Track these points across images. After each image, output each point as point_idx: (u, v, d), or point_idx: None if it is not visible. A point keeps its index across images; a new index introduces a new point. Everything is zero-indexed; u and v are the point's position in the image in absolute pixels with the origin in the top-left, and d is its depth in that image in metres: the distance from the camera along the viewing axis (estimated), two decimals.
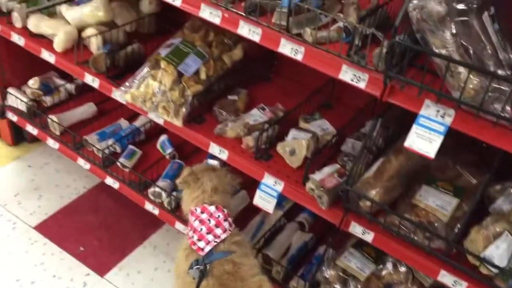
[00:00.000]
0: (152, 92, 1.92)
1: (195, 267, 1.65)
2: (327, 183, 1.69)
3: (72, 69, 2.20)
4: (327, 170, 1.75)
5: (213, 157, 2.24)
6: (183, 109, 1.91)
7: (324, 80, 2.05)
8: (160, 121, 2.01)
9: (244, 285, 1.63)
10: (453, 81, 1.22)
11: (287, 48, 1.52)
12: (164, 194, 2.26)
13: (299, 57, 1.51)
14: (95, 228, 2.51)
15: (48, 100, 2.68)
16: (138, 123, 2.64)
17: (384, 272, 1.79)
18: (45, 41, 2.28)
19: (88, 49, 2.25)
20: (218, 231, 1.70)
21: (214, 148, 1.92)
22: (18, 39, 2.31)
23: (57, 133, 2.55)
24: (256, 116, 1.98)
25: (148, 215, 2.34)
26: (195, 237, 1.71)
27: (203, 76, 1.97)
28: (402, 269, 1.75)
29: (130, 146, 2.51)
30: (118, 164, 2.42)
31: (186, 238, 1.76)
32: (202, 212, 1.74)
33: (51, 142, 2.57)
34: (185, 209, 1.85)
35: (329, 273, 1.82)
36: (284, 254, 2.11)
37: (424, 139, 1.32)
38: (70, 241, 2.41)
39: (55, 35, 2.21)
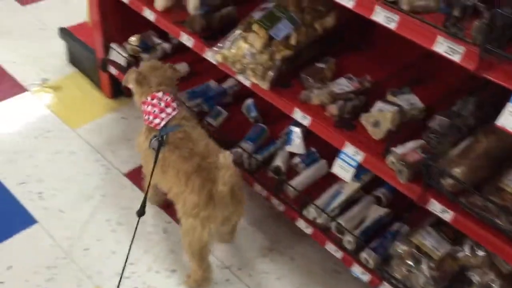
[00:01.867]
0: (242, 54, 1.97)
1: (154, 139, 2.00)
2: (409, 157, 1.66)
3: (170, 28, 2.31)
4: (410, 145, 1.72)
5: (297, 123, 2.27)
6: (271, 73, 1.95)
7: (417, 53, 1.98)
8: (247, 83, 2.06)
9: (194, 145, 1.99)
10: None
11: (381, 15, 1.49)
12: (245, 155, 2.34)
13: (392, 25, 1.47)
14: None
15: (145, 58, 2.83)
16: (226, 85, 2.72)
17: (460, 254, 1.74)
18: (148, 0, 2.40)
19: (185, 10, 2.34)
20: (169, 110, 2.07)
21: (297, 114, 1.95)
22: None
23: None
24: (343, 85, 1.97)
25: None
26: (151, 118, 2.08)
27: (293, 41, 1.99)
28: (480, 253, 1.69)
29: (217, 107, 2.61)
30: (205, 122, 2.53)
31: (143, 123, 2.12)
32: (152, 99, 2.10)
33: None
34: (138, 103, 2.21)
35: (402, 248, 1.80)
36: (357, 226, 2.11)
37: None
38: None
39: None
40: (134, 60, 2.79)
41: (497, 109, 1.65)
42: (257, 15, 2.01)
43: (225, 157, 1.77)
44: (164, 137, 1.99)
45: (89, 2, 2.75)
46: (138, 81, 2.16)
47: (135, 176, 2.60)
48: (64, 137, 2.81)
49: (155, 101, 2.09)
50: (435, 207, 1.63)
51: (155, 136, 2.02)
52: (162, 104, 2.07)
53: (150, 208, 2.46)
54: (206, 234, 1.93)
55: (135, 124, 2.93)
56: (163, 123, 2.04)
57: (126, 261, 1.98)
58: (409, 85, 2.04)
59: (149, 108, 2.09)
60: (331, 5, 2.06)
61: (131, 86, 2.24)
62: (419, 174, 1.66)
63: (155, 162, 1.98)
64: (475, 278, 1.70)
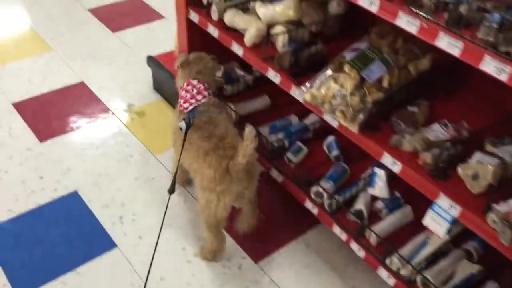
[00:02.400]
0: (332, 94, 1.93)
1: (182, 121, 2.17)
2: None
3: (257, 63, 2.31)
4: None
5: (380, 165, 2.18)
6: (361, 115, 1.88)
7: None
8: (335, 124, 2.01)
9: (215, 127, 2.15)
10: None
11: (490, 66, 1.40)
12: (325, 195, 2.27)
13: (503, 77, 1.37)
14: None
15: (228, 89, 2.86)
16: (307, 121, 2.69)
17: None
18: (236, 34, 2.42)
19: (273, 46, 2.34)
20: (199, 97, 2.27)
21: (387, 159, 1.87)
22: (213, 31, 2.49)
23: (233, 120, 2.71)
24: (438, 132, 1.87)
25: (306, 212, 2.38)
26: (181, 101, 2.29)
27: (385, 84, 1.92)
28: None
29: (298, 143, 2.57)
30: (285, 158, 2.50)
31: (178, 106, 2.33)
32: (187, 85, 2.32)
33: None
34: (178, 86, 2.45)
35: None
36: (445, 283, 1.97)
37: None
38: (232, 224, 2.56)
39: (246, 29, 2.34)
40: (217, 92, 2.83)
41: None
42: (348, 55, 1.96)
43: (250, 131, 1.92)
44: (191, 120, 2.17)
45: (178, 33, 2.83)
46: (182, 66, 2.41)
47: None
48: (146, 162, 2.88)
49: (189, 87, 2.30)
50: None
51: (183, 119, 2.19)
52: (194, 91, 2.28)
53: (226, 242, 2.44)
54: (222, 207, 2.10)
55: None
56: (191, 107, 2.24)
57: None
58: (509, 134, 1.91)
59: (183, 93, 2.31)
60: (427, 47, 1.98)
61: (177, 68, 2.48)
62: None
63: (183, 142, 2.15)
64: None
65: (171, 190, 2.06)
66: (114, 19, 4.13)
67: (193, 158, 2.16)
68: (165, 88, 3.31)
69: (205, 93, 2.30)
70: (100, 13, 4.20)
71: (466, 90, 2.22)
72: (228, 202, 2.10)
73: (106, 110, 3.23)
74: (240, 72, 2.93)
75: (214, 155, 2.06)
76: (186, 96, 2.28)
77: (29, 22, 4.02)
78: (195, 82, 2.31)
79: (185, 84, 2.33)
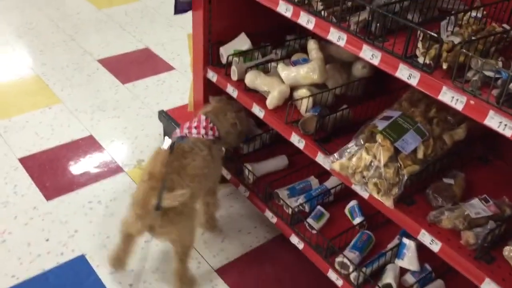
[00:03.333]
0: (364, 165, 1.83)
1: (168, 141, 2.23)
2: None
3: (280, 127, 2.23)
4: None
5: (408, 235, 2.07)
6: (396, 189, 1.78)
7: None
8: (365, 195, 1.91)
9: (179, 161, 2.15)
10: None
11: None
12: (351, 267, 2.14)
13: None
14: (271, 282, 2.48)
15: (244, 148, 2.77)
16: (328, 183, 2.58)
17: None
18: (256, 95, 2.35)
19: (296, 109, 2.26)
20: (194, 130, 2.32)
21: (425, 237, 1.75)
22: (232, 91, 2.42)
23: (250, 181, 2.60)
24: (478, 208, 1.76)
25: (328, 281, 2.24)
26: (177, 128, 2.39)
27: (420, 155, 1.83)
28: None
29: (319, 207, 2.45)
30: (306, 224, 2.38)
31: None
32: (196, 118, 2.39)
33: (242, 189, 2.64)
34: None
35: None
36: None
37: None
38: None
39: (268, 91, 2.27)
40: (231, 150, 2.74)
41: None
42: (380, 124, 1.88)
43: (180, 195, 2.01)
44: (174, 143, 2.20)
45: (195, 91, 2.76)
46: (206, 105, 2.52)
47: (227, 273, 2.47)
48: None
49: (195, 119, 2.38)
50: None
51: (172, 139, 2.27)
52: (195, 123, 2.34)
53: None
54: (134, 227, 2.16)
55: (226, 215, 2.82)
56: (178, 133, 2.33)
57: None
58: None
59: (186, 123, 2.38)
60: (462, 116, 1.90)
61: None
62: None
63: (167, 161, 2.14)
64: None
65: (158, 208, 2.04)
66: (123, 70, 4.07)
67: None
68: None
69: (203, 131, 2.32)
70: (109, 64, 4.14)
71: (500, 159, 2.13)
72: (139, 227, 2.13)
73: (115, 165, 3.12)
74: (256, 130, 2.84)
75: (153, 181, 2.06)
76: (185, 124, 2.36)
77: (38, 72, 3.97)
78: (202, 117, 2.36)
79: (196, 117, 2.40)
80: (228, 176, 2.72)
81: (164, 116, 3.24)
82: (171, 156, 2.13)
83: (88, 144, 3.27)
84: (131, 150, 3.27)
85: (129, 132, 3.42)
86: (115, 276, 2.42)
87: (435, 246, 1.72)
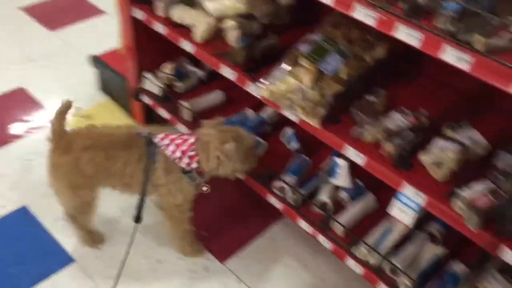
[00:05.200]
0: (291, 89, 1.89)
1: (143, 133, 2.01)
2: (478, 202, 1.56)
3: (210, 60, 2.23)
4: (477, 187, 1.61)
5: (340, 155, 2.18)
6: (322, 110, 1.86)
7: (473, 83, 1.88)
8: (294, 119, 1.98)
9: (126, 157, 1.98)
10: None
11: (451, 55, 1.40)
12: (288, 189, 2.25)
13: (465, 67, 1.38)
14: (218, 215, 2.57)
15: (180, 86, 2.77)
16: (264, 114, 2.64)
17: None
18: (185, 30, 2.33)
19: (224, 41, 2.27)
20: (171, 147, 1.98)
21: (349, 151, 1.85)
22: (159, 28, 2.39)
23: (188, 118, 2.62)
24: (397, 120, 1.87)
25: (269, 206, 2.35)
26: (166, 135, 2.02)
27: (343, 75, 1.90)
28: None
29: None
30: None
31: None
32: (191, 137, 2.02)
33: (180, 126, 2.66)
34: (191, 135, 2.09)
35: None
36: (411, 267, 2.00)
37: None
38: (195, 225, 2.50)
39: (195, 25, 2.25)
40: (168, 89, 2.73)
41: None
42: (304, 48, 1.92)
43: None
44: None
45: (123, 33, 2.69)
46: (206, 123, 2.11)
47: None
48: None
49: (185, 137, 2.04)
50: (509, 256, 1.51)
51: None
52: (179, 141, 2.01)
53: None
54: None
55: None
56: (158, 142, 2.01)
57: None
58: (467, 118, 1.94)
59: (179, 137, 2.04)
60: (382, 35, 1.97)
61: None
62: (489, 219, 1.55)
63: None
64: None
65: (138, 220, 1.99)
66: (51, 17, 3.89)
67: None
68: (112, 87, 3.16)
69: (178, 154, 1.97)
70: (35, 12, 3.94)
71: (422, 75, 2.24)
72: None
73: (50, 116, 3.04)
74: (191, 68, 2.83)
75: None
76: (172, 135, 2.03)
77: None
78: (191, 140, 2.00)
79: (191, 137, 2.03)
80: (166, 115, 2.72)
81: (97, 61, 3.16)
82: (120, 137, 2.00)
83: (19, 96, 3.16)
84: (65, 98, 3.18)
85: (62, 81, 3.32)
86: (59, 223, 2.43)
87: (360, 159, 1.83)
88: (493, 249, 1.55)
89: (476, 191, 1.59)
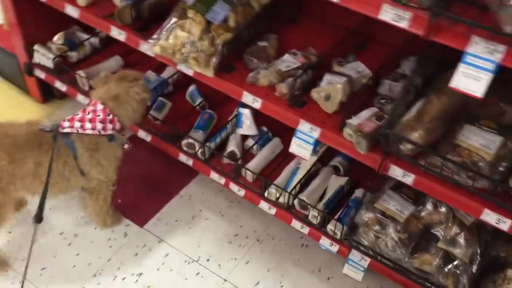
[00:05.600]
0: (181, 43, 1.89)
1: (46, 127, 1.86)
2: (365, 127, 1.67)
3: (98, 23, 2.17)
4: (364, 114, 1.73)
5: (244, 105, 2.23)
6: (214, 59, 1.88)
7: (355, 19, 1.98)
8: (190, 72, 1.99)
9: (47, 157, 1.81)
10: (505, 15, 1.16)
11: None
12: (197, 145, 2.27)
13: None
14: (132, 181, 2.55)
15: (74, 56, 2.67)
16: (165, 74, 2.62)
17: (423, 213, 1.79)
18: None
19: (112, 1, 2.20)
20: (88, 125, 1.85)
21: (247, 97, 1.90)
22: None
23: (86, 88, 2.54)
24: (289, 62, 1.94)
25: (182, 165, 2.37)
26: (66, 118, 1.88)
27: (232, 23, 1.92)
28: (442, 209, 1.74)
29: (160, 98, 2.51)
30: (149, 116, 2.43)
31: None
32: (91, 105, 1.90)
33: (80, 97, 2.58)
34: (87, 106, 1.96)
35: (367, 215, 1.83)
36: (320, 199, 2.12)
37: (471, 78, 1.27)
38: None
39: None
40: (62, 60, 2.62)
41: (440, 68, 1.69)
42: (190, 0, 1.92)
43: None
44: (55, 138, 1.86)
45: (3, 4, 2.53)
46: (95, 84, 2.05)
47: None
48: None
49: (89, 108, 1.90)
50: (396, 172, 1.65)
51: (51, 129, 1.88)
52: (89, 116, 1.88)
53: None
54: None
55: None
56: (67, 130, 1.87)
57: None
58: (352, 52, 2.04)
59: (78, 112, 1.92)
60: None
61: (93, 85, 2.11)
62: (376, 142, 1.67)
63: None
64: (440, 233, 1.76)
65: (39, 220, 1.82)
66: None
67: None
68: (3, 67, 2.98)
69: (99, 126, 1.87)
70: None
71: (308, 17, 2.31)
72: None
73: None
74: (83, 36, 2.73)
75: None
76: (76, 115, 1.90)
77: None
78: (99, 107, 1.88)
79: (91, 104, 1.92)
80: (63, 88, 2.62)
81: None
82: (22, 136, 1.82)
83: None
84: None
85: None
86: None
87: (257, 104, 1.88)
88: (383, 169, 1.68)
89: (363, 118, 1.70)
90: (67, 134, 1.87)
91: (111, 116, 1.90)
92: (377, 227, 1.83)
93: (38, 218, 1.80)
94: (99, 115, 1.87)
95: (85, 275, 2.15)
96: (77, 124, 1.86)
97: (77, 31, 2.76)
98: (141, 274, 2.19)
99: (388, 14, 1.37)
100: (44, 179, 1.84)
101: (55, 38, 2.61)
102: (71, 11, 2.21)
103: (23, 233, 2.26)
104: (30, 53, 2.65)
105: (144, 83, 2.04)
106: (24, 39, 2.61)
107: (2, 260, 2.12)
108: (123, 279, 2.16)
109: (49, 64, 2.61)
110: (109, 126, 1.89)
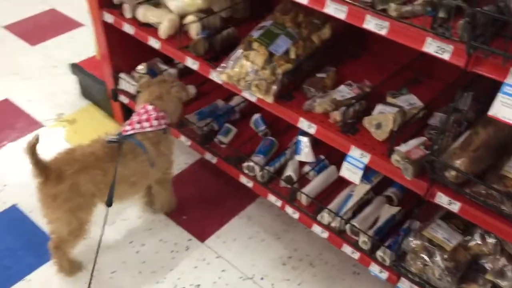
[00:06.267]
0: (246, 71, 2.08)
1: (112, 138, 2.14)
2: (413, 154, 1.74)
3: (175, 54, 2.42)
4: (413, 142, 1.80)
5: (304, 133, 2.36)
6: (274, 87, 2.04)
7: (412, 55, 2.08)
8: (253, 99, 2.16)
9: (120, 163, 2.09)
10: None
11: (372, 23, 1.59)
12: (257, 168, 2.43)
13: (383, 32, 1.57)
14: (196, 200, 2.75)
15: None
16: (233, 103, 2.83)
17: (471, 244, 1.80)
18: (152, 29, 2.52)
19: (188, 35, 2.46)
20: (145, 124, 2.17)
21: (303, 123, 2.04)
22: (128, 29, 2.58)
23: None
24: (344, 92, 2.06)
25: (243, 188, 2.53)
26: (126, 123, 2.20)
27: (292, 55, 2.09)
28: (491, 240, 1.75)
29: (226, 124, 2.71)
30: (216, 140, 2.63)
31: None
32: (142, 109, 2.22)
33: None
34: (136, 110, 2.29)
35: (415, 242, 1.87)
36: (371, 226, 2.18)
37: (510, 107, 1.33)
38: (174, 211, 2.67)
39: (160, 23, 2.45)
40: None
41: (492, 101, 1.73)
42: (256, 33, 2.11)
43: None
44: (120, 142, 2.13)
45: (97, 38, 2.89)
46: (142, 88, 2.37)
47: None
48: None
49: (142, 111, 2.22)
50: (442, 199, 1.70)
51: (117, 135, 2.16)
52: (144, 117, 2.19)
53: (169, 228, 2.56)
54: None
55: None
56: (130, 132, 2.16)
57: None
58: (406, 85, 2.13)
59: (133, 117, 2.23)
60: (326, 18, 2.17)
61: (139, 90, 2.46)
62: (424, 170, 1.73)
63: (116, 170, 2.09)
64: (488, 265, 1.76)
65: (109, 203, 2.07)
66: (32, 33, 4.09)
67: None
68: (93, 93, 3.35)
69: (155, 122, 2.18)
70: (16, 29, 4.15)
71: (369, 54, 2.44)
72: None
73: (35, 122, 3.23)
74: (163, 66, 3.02)
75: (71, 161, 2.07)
76: (133, 119, 2.19)
77: None
78: (150, 107, 2.20)
79: (140, 108, 2.23)
80: None
81: (76, 69, 3.35)
82: (101, 150, 2.10)
83: (5, 107, 3.35)
84: (50, 106, 3.38)
85: (45, 90, 3.51)
86: None
87: (312, 129, 2.01)
88: (429, 195, 1.73)
89: (412, 146, 1.78)
90: (133, 136, 2.15)
91: (162, 113, 2.22)
92: (424, 255, 1.86)
93: (110, 202, 2.06)
94: (152, 114, 2.19)
95: (149, 281, 2.34)
96: (137, 126, 2.17)
97: (158, 62, 3.06)
98: (199, 285, 2.34)
99: (431, 47, 1.47)
100: (129, 181, 2.18)
101: (139, 67, 2.91)
102: (153, 43, 2.49)
103: (98, 239, 2.51)
104: (116, 80, 2.97)
105: (181, 83, 2.39)
106: (113, 68, 2.94)
107: (77, 262, 2.36)
108: None
109: (132, 90, 2.91)
110: (162, 121, 2.21)
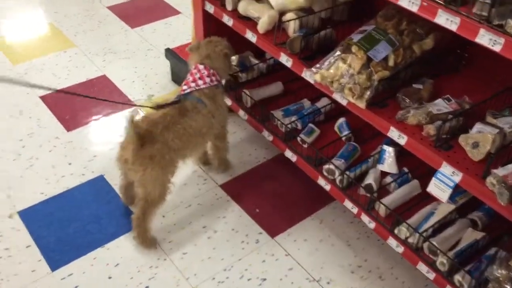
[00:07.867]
0: (341, 74, 2.06)
1: (176, 99, 2.36)
2: (510, 179, 1.65)
3: (270, 49, 2.45)
4: (511, 166, 1.71)
5: (390, 143, 2.31)
6: (368, 92, 2.02)
7: None
8: (344, 102, 2.14)
9: (189, 118, 2.32)
10: None
11: (485, 38, 1.52)
12: (337, 172, 2.40)
13: (497, 48, 1.50)
14: (270, 195, 2.77)
15: (243, 77, 3.01)
16: (319, 104, 2.82)
17: None
18: (250, 23, 2.57)
19: (285, 32, 2.48)
20: (200, 82, 2.38)
21: (393, 133, 1.99)
22: (227, 20, 2.64)
23: (248, 105, 2.86)
24: (440, 106, 1.99)
25: (319, 190, 2.52)
26: (183, 84, 2.42)
27: (391, 63, 2.05)
28: None
29: (310, 124, 2.70)
30: (298, 139, 2.64)
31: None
32: (194, 69, 2.44)
33: (241, 113, 2.89)
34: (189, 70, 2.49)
35: (500, 272, 1.77)
36: (451, 248, 2.09)
37: None
38: (248, 203, 2.71)
39: (259, 18, 2.48)
40: (232, 79, 2.98)
41: None
42: (356, 37, 2.09)
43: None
44: (181, 100, 2.34)
45: (195, 25, 2.98)
46: (191, 50, 2.55)
47: (230, 188, 2.77)
48: None
49: (195, 70, 2.42)
50: None
51: (178, 96, 2.38)
52: (197, 75, 2.40)
53: (242, 219, 2.61)
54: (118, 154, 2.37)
55: (230, 139, 3.08)
56: (188, 90, 2.37)
57: None
58: (509, 107, 2.02)
59: (187, 77, 2.43)
60: (430, 27, 2.10)
61: (189, 51, 2.61)
62: None
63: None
64: None
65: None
66: (132, 16, 4.30)
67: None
68: (183, 78, 3.45)
69: (208, 79, 2.39)
70: (118, 10, 4.38)
71: (469, 67, 2.34)
72: (119, 157, 2.34)
73: (127, 100, 3.40)
74: (254, 61, 3.07)
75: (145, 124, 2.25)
76: (188, 79, 2.42)
77: (51, 21, 4.22)
78: (201, 67, 2.42)
79: (193, 68, 2.46)
80: (229, 102, 2.97)
81: (170, 53, 3.48)
82: (172, 110, 2.29)
83: (102, 83, 3.55)
84: (141, 86, 3.54)
85: (139, 71, 3.68)
86: None
87: (402, 140, 1.96)
88: None
89: (510, 170, 1.68)
90: (192, 94, 2.36)
91: (212, 70, 2.43)
92: (509, 285, 1.77)
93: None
94: (204, 72, 2.40)
95: (217, 267, 2.39)
96: (192, 84, 2.38)
97: (250, 56, 3.11)
98: (264, 279, 2.36)
99: None
100: (201, 132, 2.39)
101: (232, 58, 2.97)
102: (250, 36, 2.53)
103: (173, 220, 2.60)
104: None
105: (225, 42, 2.56)
106: None
107: (153, 238, 2.46)
108: (248, 280, 2.35)
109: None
110: (213, 78, 2.42)
